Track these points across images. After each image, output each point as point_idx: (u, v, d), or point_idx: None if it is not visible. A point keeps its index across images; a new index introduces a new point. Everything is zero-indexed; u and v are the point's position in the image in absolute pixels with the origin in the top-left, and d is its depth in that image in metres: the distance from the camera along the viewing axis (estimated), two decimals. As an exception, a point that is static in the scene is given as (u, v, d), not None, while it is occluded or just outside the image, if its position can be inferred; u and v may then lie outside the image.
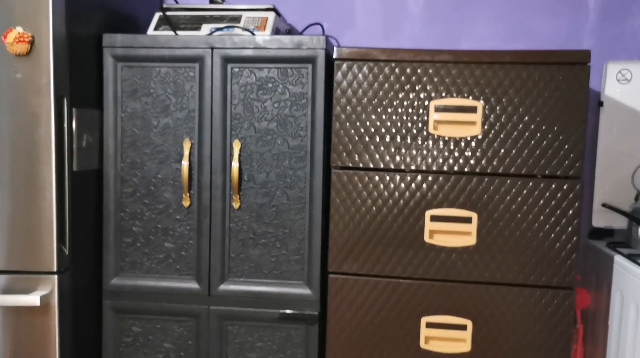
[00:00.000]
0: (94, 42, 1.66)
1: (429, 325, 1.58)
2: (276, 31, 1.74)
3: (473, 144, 1.54)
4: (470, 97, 1.53)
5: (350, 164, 1.59)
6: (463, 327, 1.57)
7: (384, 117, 1.57)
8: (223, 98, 1.63)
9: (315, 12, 2.13)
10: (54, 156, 1.50)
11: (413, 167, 1.57)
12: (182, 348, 1.68)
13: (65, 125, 1.53)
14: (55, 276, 1.52)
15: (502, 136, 1.53)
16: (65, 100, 1.53)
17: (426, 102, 1.55)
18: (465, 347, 1.57)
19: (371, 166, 1.58)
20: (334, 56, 1.57)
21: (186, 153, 1.64)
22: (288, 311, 1.64)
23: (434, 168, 1.56)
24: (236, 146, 1.63)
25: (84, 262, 1.65)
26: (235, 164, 1.62)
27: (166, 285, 1.67)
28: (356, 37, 2.11)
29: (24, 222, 1.52)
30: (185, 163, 1.63)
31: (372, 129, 1.58)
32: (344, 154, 1.59)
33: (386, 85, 1.56)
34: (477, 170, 1.54)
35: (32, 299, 1.48)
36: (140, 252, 1.68)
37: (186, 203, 1.65)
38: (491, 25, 2.05)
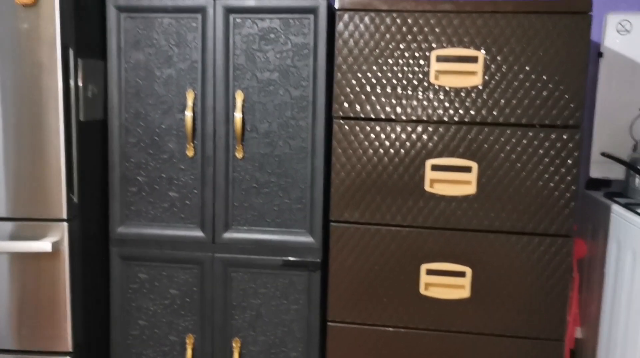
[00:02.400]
0: (97, -7, 1.67)
1: (429, 272, 1.62)
2: (278, -18, 1.73)
3: (473, 94, 1.55)
4: (472, 47, 1.54)
5: (352, 115, 1.61)
6: (462, 274, 1.61)
7: (385, 67, 1.58)
8: (225, 49, 1.64)
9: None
10: (62, 105, 1.52)
11: (414, 117, 1.59)
12: (187, 294, 1.73)
13: (72, 75, 1.55)
14: (65, 224, 1.56)
15: (502, 85, 1.54)
16: (71, 50, 1.54)
17: (427, 53, 1.56)
18: (464, 293, 1.62)
19: (372, 116, 1.60)
20: (336, 7, 1.57)
21: (189, 103, 1.65)
22: (291, 258, 1.68)
23: (435, 118, 1.58)
24: (239, 97, 1.65)
25: (91, 210, 1.69)
26: (238, 115, 1.64)
27: (171, 233, 1.71)
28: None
29: (33, 171, 1.55)
30: (188, 113, 1.65)
31: (374, 80, 1.59)
32: (346, 104, 1.61)
33: (387, 35, 1.57)
34: (478, 120, 1.56)
35: (44, 245, 1.52)
36: (145, 201, 1.72)
37: (190, 152, 1.68)
38: (495, -23, 2.03)
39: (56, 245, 1.56)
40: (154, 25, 1.65)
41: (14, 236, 1.58)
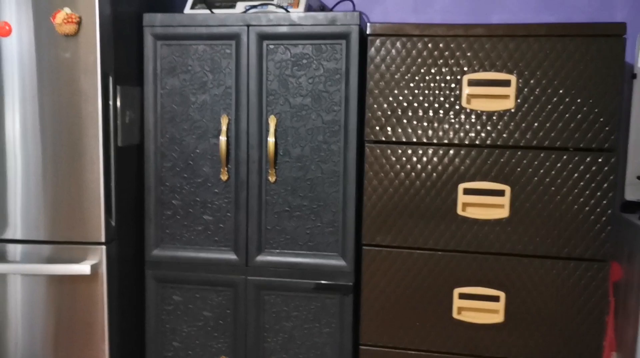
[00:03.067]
0: (135, 22, 1.72)
1: (462, 296, 1.62)
2: (308, 8, 1.76)
3: (506, 117, 1.55)
4: (504, 71, 1.54)
5: (384, 139, 1.62)
6: (496, 298, 1.60)
7: (416, 91, 1.59)
8: (259, 74, 1.67)
9: (348, -11, 2.14)
10: (101, 131, 1.57)
11: (446, 141, 1.59)
12: (221, 316, 1.75)
13: (111, 102, 1.59)
14: (103, 247, 1.60)
15: (535, 109, 1.54)
16: (110, 78, 1.59)
17: (459, 77, 1.56)
18: (498, 317, 1.60)
19: (404, 139, 1.61)
20: (368, 32, 1.59)
21: (224, 128, 1.69)
22: (323, 281, 1.69)
23: (467, 142, 1.58)
24: (272, 122, 1.67)
25: (127, 233, 1.73)
26: (271, 139, 1.67)
27: (205, 256, 1.74)
28: (385, 11, 2.12)
29: (72, 195, 1.60)
30: (222, 138, 1.68)
31: (405, 104, 1.60)
32: (377, 128, 1.62)
33: (419, 60, 1.58)
34: (510, 143, 1.56)
35: (83, 268, 1.56)
36: (180, 224, 1.75)
37: (224, 176, 1.71)
38: (525, -1, 2.04)
39: (95, 268, 1.59)
40: (189, 52, 1.69)
41: (52, 259, 1.62)
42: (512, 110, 1.55)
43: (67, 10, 1.52)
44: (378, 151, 1.62)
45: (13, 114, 1.59)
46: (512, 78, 1.54)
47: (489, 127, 1.56)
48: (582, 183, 1.53)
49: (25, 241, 1.63)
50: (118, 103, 1.62)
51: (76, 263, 1.60)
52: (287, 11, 1.67)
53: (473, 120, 1.57)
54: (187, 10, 1.75)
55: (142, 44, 1.72)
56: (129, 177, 1.72)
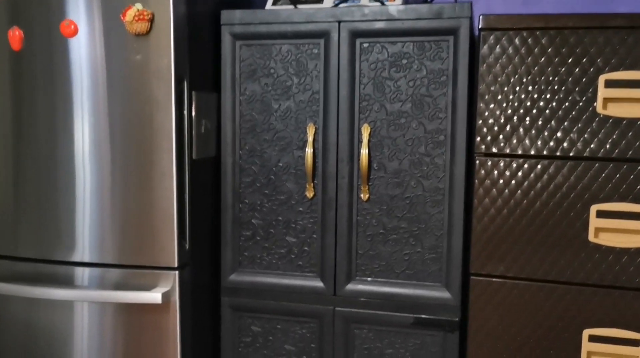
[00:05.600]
0: (212, 20, 1.54)
1: (593, 339, 1.35)
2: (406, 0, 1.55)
3: (651, 126, 1.29)
4: (650, 70, 1.28)
5: (497, 151, 1.38)
6: (635, 343, 1.33)
7: (537, 96, 1.35)
8: (351, 77, 1.46)
9: (441, -19, 1.91)
10: (174, 143, 1.39)
11: (574, 153, 1.34)
12: (305, 351, 1.55)
13: (185, 110, 1.42)
14: (176, 272, 1.43)
15: (689, 115, 1.27)
16: (185, 83, 1.41)
17: (594, 77, 1.31)
18: (636, 365, 1.34)
19: (521, 152, 1.37)
20: (480, 25, 1.36)
21: (310, 139, 1.48)
22: (423, 316, 1.46)
23: (602, 154, 1.32)
24: (365, 131, 1.46)
25: (201, 257, 1.55)
26: (364, 151, 1.45)
27: (287, 283, 1.54)
28: (489, 4, 1.87)
29: (142, 214, 1.43)
30: (309, 150, 1.48)
31: (523, 110, 1.36)
32: (490, 138, 1.38)
33: (543, 58, 1.33)
34: (657, 157, 1.29)
35: (154, 296, 1.39)
36: (259, 246, 1.56)
37: (310, 193, 1.51)
38: (652, -13, 1.75)
39: (166, 296, 1.42)
40: (272, 53, 1.50)
41: (121, 285, 1.46)
42: (660, 117, 1.28)
43: (138, 6, 1.36)
44: (490, 164, 1.39)
45: (82, 125, 1.44)
46: (661, 78, 1.27)
47: (630, 137, 1.30)
48: None
49: (94, 264, 1.48)
50: (193, 111, 1.45)
51: (146, 290, 1.43)
52: (384, 4, 1.46)
53: (610, 128, 1.31)
54: (269, 6, 1.56)
55: (220, 45, 1.54)
56: (204, 194, 1.54)
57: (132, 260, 1.45)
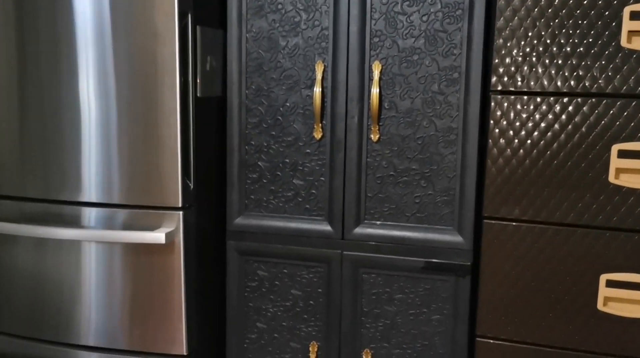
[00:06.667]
0: (216, -49, 1.48)
1: (610, 284, 1.31)
2: None
3: (678, 60, 1.22)
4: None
5: (514, 88, 1.32)
6: (654, 288, 1.28)
7: (558, 31, 1.27)
8: (361, 12, 1.39)
9: None
10: (178, 79, 1.34)
11: (595, 90, 1.27)
12: (312, 296, 1.52)
13: (190, 45, 1.37)
14: (180, 213, 1.39)
15: None
16: (189, 17, 1.36)
17: (618, 9, 1.23)
18: (653, 311, 1.29)
19: (539, 89, 1.30)
20: (499, -45, 1.28)
21: (318, 77, 1.43)
22: (434, 260, 1.42)
23: (624, 91, 1.25)
24: (376, 69, 1.40)
25: (206, 199, 1.51)
26: (374, 90, 1.40)
27: (294, 226, 1.50)
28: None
29: (146, 152, 1.39)
30: (317, 89, 1.43)
31: (542, 47, 1.29)
32: (506, 76, 1.32)
33: (565, -12, 1.26)
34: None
35: (157, 236, 1.36)
36: (266, 189, 1.52)
37: (318, 134, 1.46)
38: None
39: (170, 236, 1.39)
40: (279, -13, 1.44)
41: (125, 225, 1.43)
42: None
43: None
44: (506, 103, 1.32)
45: (86, 62, 1.40)
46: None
47: (655, 73, 1.23)
48: None
49: (100, 204, 1.45)
50: (198, 47, 1.39)
51: (151, 230, 1.40)
52: None
53: (634, 63, 1.24)
54: (277, -62, 1.49)
55: (225, -22, 1.48)
56: (209, 134, 1.50)
57: (138, 200, 1.42)
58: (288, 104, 1.47)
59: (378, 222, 1.46)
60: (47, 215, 1.49)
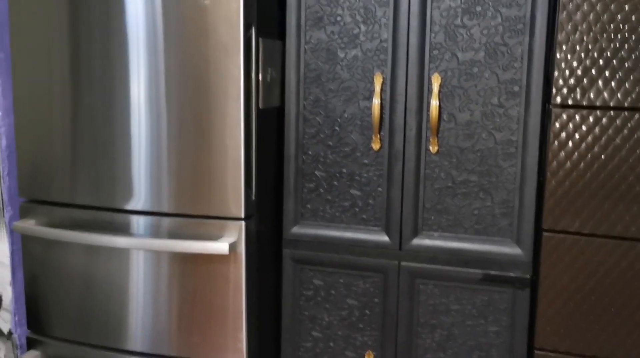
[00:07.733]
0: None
1: (672, 298, 1.31)
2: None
3: None
4: None
5: (573, 102, 1.33)
6: None
7: (619, 44, 1.28)
8: (421, 25, 1.41)
9: None
10: (242, 91, 1.36)
11: (658, 105, 1.28)
12: (368, 305, 1.53)
13: (253, 57, 1.39)
14: (242, 223, 1.41)
15: None
16: (253, 29, 1.38)
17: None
18: None
19: (599, 104, 1.31)
20: (562, -31, 1.29)
21: (377, 89, 1.44)
22: (492, 272, 1.43)
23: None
24: (435, 81, 1.41)
25: (265, 208, 1.53)
26: (434, 102, 1.41)
27: (351, 236, 1.52)
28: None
29: (209, 162, 1.41)
30: (376, 101, 1.44)
31: (603, 60, 1.29)
32: (567, 89, 1.32)
33: (627, 4, 1.26)
34: None
35: (221, 246, 1.38)
36: (322, 199, 1.53)
37: (376, 145, 1.47)
38: None
39: (233, 246, 1.41)
40: None
41: (178, 235, 1.45)
42: None
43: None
44: (566, 116, 1.33)
45: (138, 73, 1.42)
46: None
47: None
48: None
49: (151, 213, 1.47)
50: (260, 59, 1.41)
51: (211, 240, 1.42)
52: (458, -52, 1.39)
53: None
54: (335, -48, 1.51)
55: (284, -9, 1.50)
56: (269, 144, 1.52)
57: (197, 210, 1.44)
58: (346, 115, 1.49)
59: (436, 233, 1.47)
60: (99, 222, 1.51)
